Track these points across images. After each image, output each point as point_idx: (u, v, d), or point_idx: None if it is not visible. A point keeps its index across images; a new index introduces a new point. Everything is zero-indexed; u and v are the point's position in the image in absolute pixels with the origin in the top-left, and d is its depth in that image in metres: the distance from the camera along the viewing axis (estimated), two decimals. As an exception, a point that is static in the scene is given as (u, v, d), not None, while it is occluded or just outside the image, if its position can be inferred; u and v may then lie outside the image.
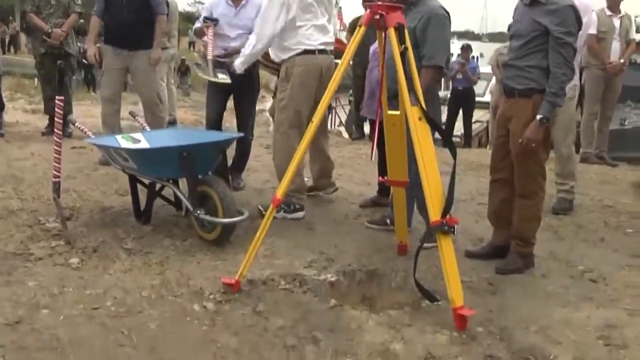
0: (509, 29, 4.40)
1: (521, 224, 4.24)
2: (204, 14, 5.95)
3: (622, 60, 8.00)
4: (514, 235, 4.29)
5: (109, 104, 6.66)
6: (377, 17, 3.51)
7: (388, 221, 4.84)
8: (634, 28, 8.24)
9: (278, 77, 5.20)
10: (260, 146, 7.59)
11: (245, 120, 5.77)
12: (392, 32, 3.44)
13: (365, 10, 3.81)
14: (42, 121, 8.63)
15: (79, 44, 9.27)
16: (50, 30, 7.62)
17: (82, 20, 8.36)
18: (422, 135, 3.36)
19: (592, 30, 7.88)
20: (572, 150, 5.89)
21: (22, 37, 29.49)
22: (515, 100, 4.12)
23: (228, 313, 3.43)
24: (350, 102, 12.07)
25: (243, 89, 5.52)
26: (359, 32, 3.55)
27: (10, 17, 33.45)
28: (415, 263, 3.52)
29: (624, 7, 8.40)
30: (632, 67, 17.66)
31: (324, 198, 5.69)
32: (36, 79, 12.50)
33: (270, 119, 14.15)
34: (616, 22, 8.03)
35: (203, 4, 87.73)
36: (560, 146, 5.74)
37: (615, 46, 8.03)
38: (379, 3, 3.48)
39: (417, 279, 3.54)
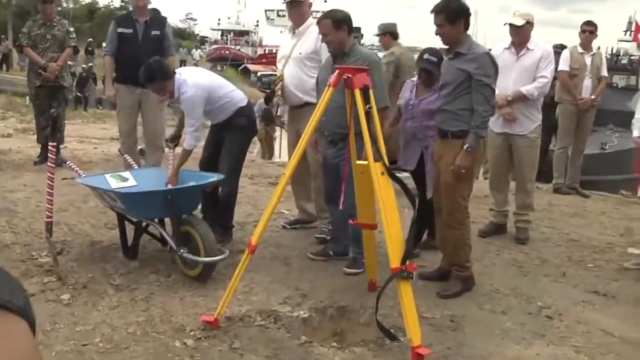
0: None
1: (454, 252, 4.79)
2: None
3: (592, 97, 8.35)
4: (451, 261, 4.82)
5: (127, 138, 7.22)
6: (345, 78, 3.84)
7: (330, 252, 5.29)
8: (604, 66, 8.60)
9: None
10: (244, 177, 7.73)
11: (220, 166, 5.42)
12: (357, 93, 3.78)
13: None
14: (35, 148, 8.90)
15: (70, 62, 9.60)
16: (46, 64, 7.93)
17: (75, 37, 8.66)
18: (384, 188, 3.69)
19: (565, 67, 8.28)
20: (534, 185, 6.31)
21: (15, 55, 29.80)
22: (448, 140, 4.68)
23: (206, 350, 3.72)
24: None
25: (227, 136, 5.46)
26: (328, 92, 3.89)
27: (3, 36, 33.78)
28: (377, 305, 3.82)
29: (596, 44, 8.82)
30: (613, 91, 18.13)
31: (305, 232, 6.01)
32: (27, 98, 12.79)
33: (257, 142, 14.47)
34: (588, 60, 8.38)
35: (195, 20, 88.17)
36: (525, 182, 6.14)
37: (587, 83, 8.37)
38: (347, 66, 3.82)
39: (378, 320, 3.84)
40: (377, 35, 8.20)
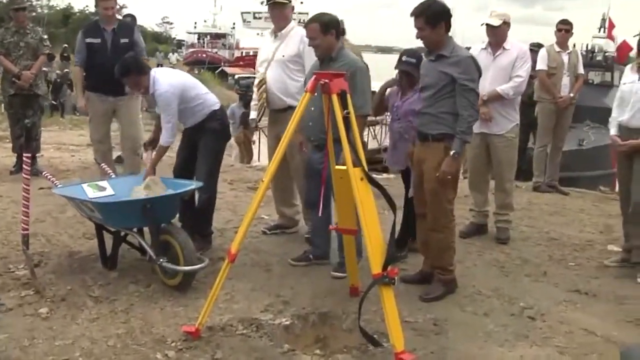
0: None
1: (438, 255, 4.77)
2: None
3: (571, 95, 8.40)
4: (434, 265, 4.80)
5: (99, 145, 7.16)
6: (322, 83, 3.81)
7: (311, 257, 5.30)
8: (581, 63, 8.66)
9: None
10: (223, 182, 7.70)
11: (197, 171, 5.38)
12: (335, 98, 3.76)
13: None
14: (10, 157, 8.79)
15: (45, 68, 9.52)
16: (19, 73, 7.83)
17: (49, 45, 8.58)
18: (363, 194, 3.67)
19: (543, 66, 8.33)
20: (513, 184, 6.34)
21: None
22: (429, 144, 4.65)
23: (188, 361, 3.68)
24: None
25: (201, 141, 5.40)
26: (305, 98, 3.87)
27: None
28: (360, 311, 3.79)
29: (571, 41, 8.88)
30: (589, 88, 18.24)
31: (285, 237, 5.98)
32: (2, 106, 12.65)
33: (235, 146, 14.37)
34: (565, 58, 8.44)
35: (171, 24, 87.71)
36: (504, 182, 6.16)
37: (565, 81, 8.45)
38: (324, 72, 3.80)
39: (361, 326, 3.82)
40: None
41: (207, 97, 5.42)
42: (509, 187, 6.22)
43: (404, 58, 5.26)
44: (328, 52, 4.96)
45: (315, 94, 3.98)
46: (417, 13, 4.52)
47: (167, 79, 5.19)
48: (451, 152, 4.49)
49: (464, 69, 4.49)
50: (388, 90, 5.50)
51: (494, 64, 5.94)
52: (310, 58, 5.27)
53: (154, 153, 5.32)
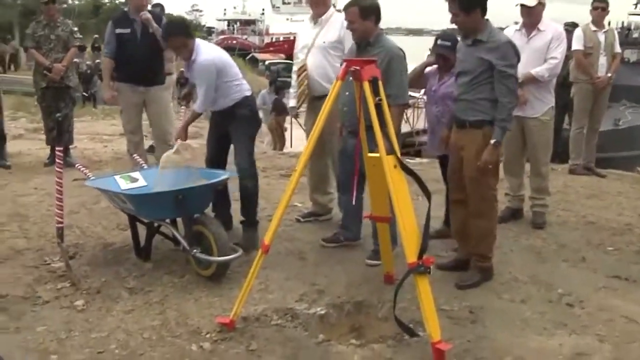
0: None
1: (478, 242, 4.68)
2: None
3: (609, 75, 8.22)
4: (472, 252, 4.72)
5: (132, 136, 7.14)
6: (353, 70, 3.75)
7: (342, 238, 5.33)
8: (617, 42, 8.46)
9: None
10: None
11: (237, 158, 5.36)
12: (366, 85, 3.69)
13: None
14: (45, 150, 8.87)
15: (77, 59, 9.59)
16: (51, 65, 7.89)
17: (80, 36, 8.64)
18: (397, 182, 3.62)
19: (579, 46, 8.15)
20: (548, 168, 6.24)
21: (22, 55, 29.79)
22: (467, 130, 4.57)
23: (223, 352, 3.68)
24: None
25: (232, 127, 5.37)
26: (336, 85, 3.81)
27: (9, 36, 33.76)
28: (395, 300, 3.75)
29: (607, 20, 8.68)
30: (625, 66, 17.91)
31: (319, 224, 5.95)
32: (35, 97, 12.81)
33: (267, 132, 14.37)
34: (601, 37, 8.25)
35: (201, 11, 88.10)
36: (540, 166, 6.04)
37: (602, 61, 8.26)
38: (355, 58, 3.74)
39: (396, 315, 3.77)
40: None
41: (243, 81, 5.40)
42: (545, 171, 6.10)
43: (439, 42, 5.20)
44: (366, 37, 4.88)
45: (347, 80, 3.92)
46: None
47: (211, 49, 5.22)
48: (492, 141, 4.40)
49: (502, 54, 4.39)
50: (427, 68, 5.43)
51: (529, 46, 5.78)
52: (351, 43, 5.22)
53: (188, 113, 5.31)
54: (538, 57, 5.77)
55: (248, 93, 5.38)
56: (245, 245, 4.93)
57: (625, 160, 12.76)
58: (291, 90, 6.15)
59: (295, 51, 6.07)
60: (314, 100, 5.73)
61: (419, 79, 5.44)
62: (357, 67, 3.73)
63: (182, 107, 5.97)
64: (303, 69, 5.75)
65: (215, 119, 5.49)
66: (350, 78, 3.92)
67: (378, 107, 3.70)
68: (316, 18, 5.77)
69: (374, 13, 4.87)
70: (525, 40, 5.83)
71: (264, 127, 13.32)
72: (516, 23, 6.12)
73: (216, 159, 5.44)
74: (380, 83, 3.74)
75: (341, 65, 4.10)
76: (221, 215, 5.32)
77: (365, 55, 4.65)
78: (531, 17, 5.84)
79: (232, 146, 5.45)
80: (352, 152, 4.59)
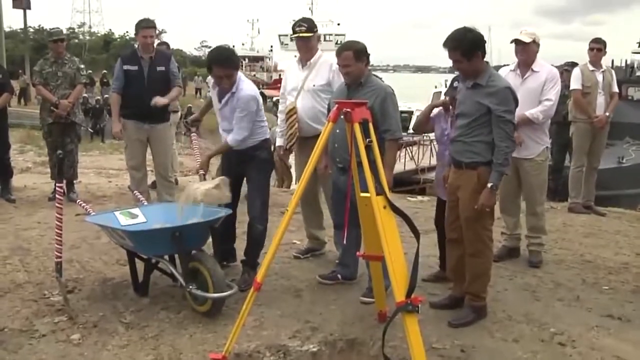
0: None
1: (472, 281, 4.73)
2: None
3: (607, 114, 8.32)
4: (466, 290, 4.76)
5: (135, 173, 7.28)
6: (344, 112, 3.85)
7: (339, 276, 5.39)
8: (615, 81, 8.57)
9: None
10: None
11: (251, 203, 5.40)
12: (357, 127, 3.79)
13: None
14: (50, 184, 8.98)
15: (86, 94, 9.75)
16: (57, 102, 8.04)
17: (89, 71, 8.85)
18: (387, 222, 3.69)
19: (577, 86, 8.27)
20: (544, 207, 6.28)
21: (32, 90, 30.19)
22: (463, 171, 4.65)
23: (215, 388, 3.72)
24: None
25: (250, 170, 5.39)
26: (328, 127, 3.92)
27: (20, 70, 34.22)
28: (383, 338, 3.80)
29: (607, 59, 8.81)
30: (629, 104, 18.00)
31: (316, 262, 6.00)
32: (42, 133, 12.98)
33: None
34: (599, 77, 8.37)
35: (210, 47, 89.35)
36: (535, 205, 6.11)
37: (600, 100, 8.37)
38: (346, 101, 3.84)
39: (385, 353, 3.82)
40: None
41: (267, 123, 5.48)
42: (540, 211, 6.16)
43: (455, 84, 5.20)
44: (358, 78, 5.03)
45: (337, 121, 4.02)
46: (452, 47, 4.50)
47: (251, 84, 5.30)
48: (489, 185, 4.48)
49: (500, 100, 4.48)
50: (435, 110, 5.49)
51: (523, 87, 5.86)
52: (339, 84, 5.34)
53: (219, 145, 5.34)
54: (532, 98, 5.86)
55: (268, 136, 5.48)
56: (241, 286, 4.99)
57: (629, 198, 12.80)
58: (277, 129, 6.31)
59: (282, 91, 6.21)
60: (304, 140, 5.85)
61: (427, 121, 5.51)
62: (349, 110, 3.83)
63: (193, 133, 6.04)
64: (293, 111, 5.89)
65: (231, 158, 5.46)
66: (337, 122, 4.01)
67: (368, 148, 3.79)
68: (305, 61, 5.92)
69: (366, 55, 5.03)
70: (520, 80, 5.93)
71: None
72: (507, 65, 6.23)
73: (231, 202, 5.30)
74: (370, 125, 3.83)
75: (330, 106, 4.21)
76: (218, 247, 5.37)
77: (357, 96, 4.81)
78: (525, 54, 5.93)
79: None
80: (345, 188, 4.68)
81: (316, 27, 5.93)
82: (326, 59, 5.78)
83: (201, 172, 5.28)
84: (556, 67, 6.34)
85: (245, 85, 5.18)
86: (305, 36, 5.82)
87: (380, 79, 5.41)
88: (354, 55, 4.94)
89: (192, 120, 6.01)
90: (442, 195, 5.44)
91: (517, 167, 5.98)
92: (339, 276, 5.40)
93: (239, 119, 5.15)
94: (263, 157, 5.40)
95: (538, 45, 6.00)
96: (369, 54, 5.09)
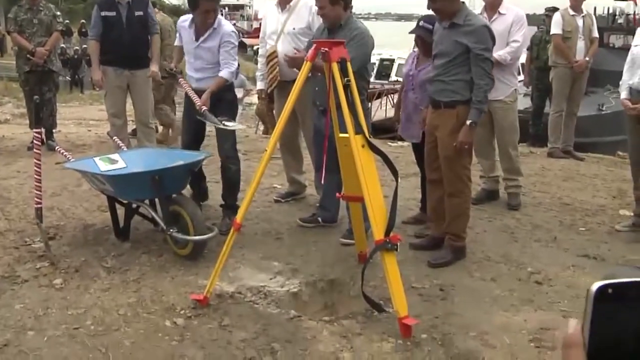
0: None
1: (452, 221, 4.79)
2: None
3: (587, 59, 8.32)
4: (446, 230, 4.82)
5: (115, 120, 7.20)
6: (322, 51, 3.83)
7: (319, 219, 5.41)
8: (595, 26, 8.56)
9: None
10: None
11: (221, 145, 5.49)
12: (334, 67, 3.78)
13: None
14: (28, 134, 8.89)
15: (64, 44, 9.59)
16: (33, 49, 7.91)
17: (67, 21, 8.69)
18: (365, 162, 3.71)
19: (557, 30, 8.24)
20: (517, 149, 6.33)
21: (9, 40, 29.62)
22: (442, 111, 4.69)
23: (196, 328, 3.76)
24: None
25: (218, 111, 5.30)
26: (306, 67, 3.89)
27: (-4, 22, 33.46)
28: (362, 277, 3.85)
29: (592, 4, 8.77)
30: (610, 52, 17.99)
31: (297, 206, 6.04)
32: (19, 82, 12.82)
33: (258, 119, 14.41)
34: (579, 22, 8.34)
35: None
36: (507, 146, 6.12)
37: (580, 45, 8.35)
38: (323, 40, 3.81)
39: (365, 292, 3.87)
40: None
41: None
42: (513, 152, 6.16)
43: (420, 23, 5.20)
44: (336, 21, 4.97)
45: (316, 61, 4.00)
46: None
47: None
48: (468, 122, 4.53)
49: (478, 38, 4.50)
50: (408, 54, 5.50)
51: None
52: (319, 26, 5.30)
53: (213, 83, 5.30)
54: (500, 40, 5.78)
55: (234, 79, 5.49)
56: (222, 229, 5.01)
57: (608, 145, 12.86)
58: (258, 73, 6.33)
59: (261, 36, 6.18)
60: (284, 84, 5.81)
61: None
62: (326, 49, 3.81)
63: (181, 78, 5.95)
64: (274, 55, 5.83)
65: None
66: (316, 61, 3.99)
67: (346, 88, 3.78)
68: (284, 5, 5.85)
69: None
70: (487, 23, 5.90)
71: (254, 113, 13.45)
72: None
73: (194, 144, 5.49)
74: (349, 64, 3.82)
75: (310, 46, 4.18)
76: (196, 188, 5.40)
77: (337, 38, 4.74)
78: None
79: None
80: (324, 131, 4.68)
81: None
82: (306, 2, 5.72)
83: (204, 108, 5.25)
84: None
85: (224, 22, 5.41)
86: None
87: None
88: None
89: (176, 65, 5.92)
90: (411, 138, 5.52)
91: (488, 110, 5.99)
92: (320, 219, 5.44)
93: (227, 52, 5.25)
94: (230, 98, 5.44)
95: None
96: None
